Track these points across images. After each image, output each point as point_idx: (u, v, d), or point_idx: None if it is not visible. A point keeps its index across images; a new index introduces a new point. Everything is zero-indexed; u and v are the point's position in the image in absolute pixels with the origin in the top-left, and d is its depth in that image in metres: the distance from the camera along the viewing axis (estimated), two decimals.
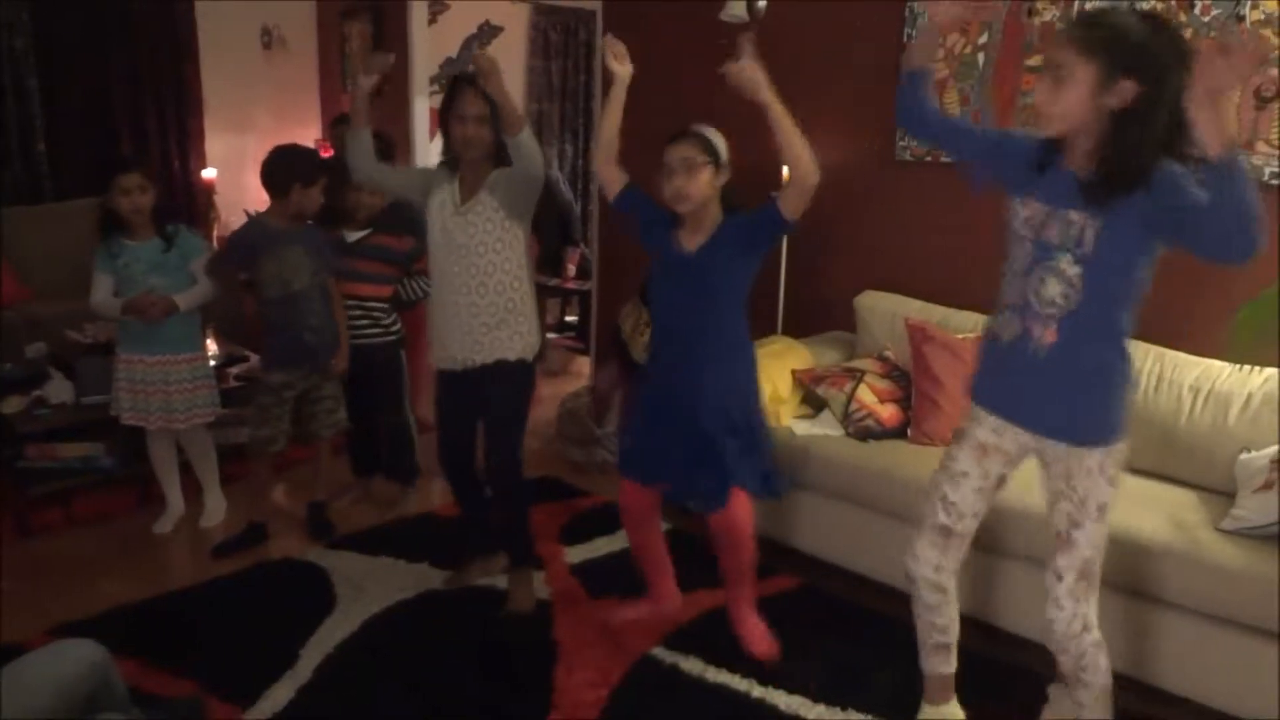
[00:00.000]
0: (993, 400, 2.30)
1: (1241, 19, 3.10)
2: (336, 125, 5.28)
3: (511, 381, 3.05)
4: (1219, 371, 3.10)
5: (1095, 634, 2.26)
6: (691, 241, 2.75)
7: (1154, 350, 3.22)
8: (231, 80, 6.35)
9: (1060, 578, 2.22)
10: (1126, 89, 1.93)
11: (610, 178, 2.88)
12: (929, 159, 3.86)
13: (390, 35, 6.20)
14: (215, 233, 6.06)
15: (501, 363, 3.01)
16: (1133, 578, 2.72)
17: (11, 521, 3.70)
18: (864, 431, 3.41)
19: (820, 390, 3.56)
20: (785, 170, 2.81)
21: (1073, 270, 2.06)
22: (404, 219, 3.68)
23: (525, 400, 3.12)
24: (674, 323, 2.83)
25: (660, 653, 2.98)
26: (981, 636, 2.78)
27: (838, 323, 4.12)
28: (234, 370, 4.32)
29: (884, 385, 3.53)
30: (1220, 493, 2.95)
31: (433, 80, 6.53)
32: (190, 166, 6.20)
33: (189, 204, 6.13)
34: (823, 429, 3.48)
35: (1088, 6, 3.39)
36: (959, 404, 2.72)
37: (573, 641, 3.02)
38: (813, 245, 4.19)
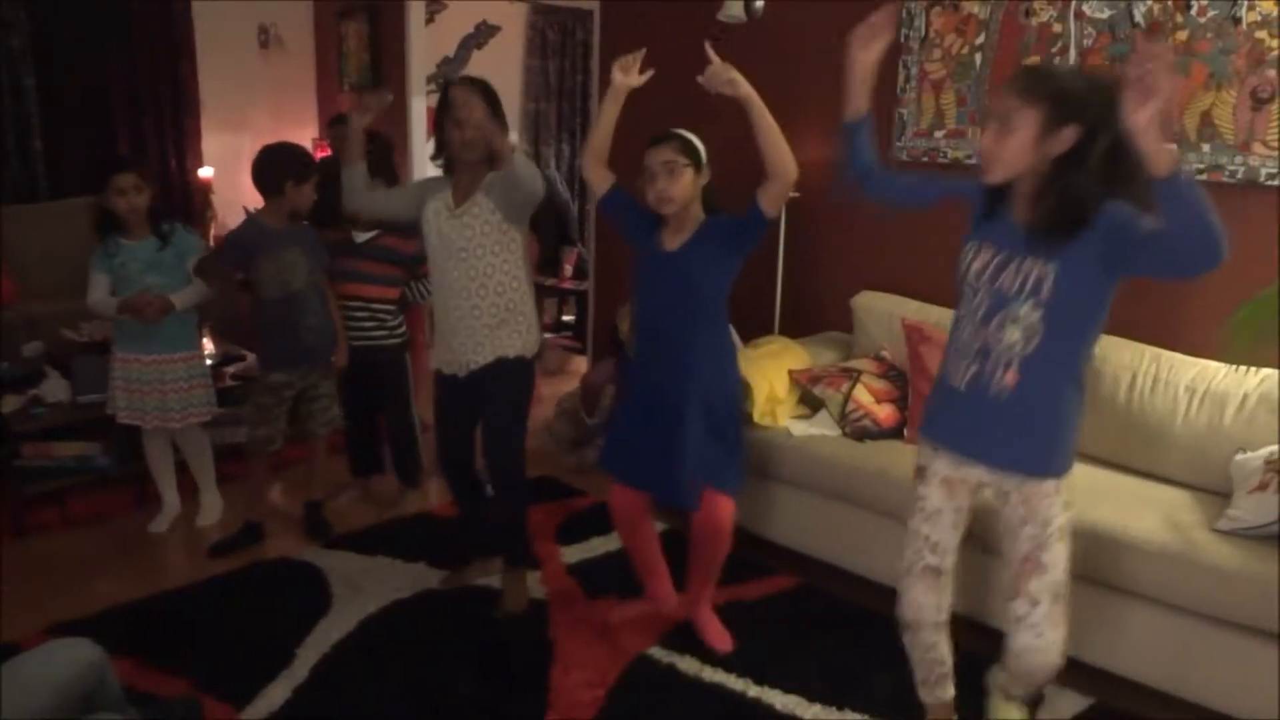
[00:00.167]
0: (950, 439, 2.31)
1: (1238, 20, 3.10)
2: (334, 125, 5.28)
3: (512, 379, 3.05)
4: (1215, 372, 3.10)
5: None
6: (674, 241, 2.79)
7: (1150, 351, 3.23)
8: (228, 79, 6.35)
9: (1036, 603, 2.22)
10: (1067, 135, 2.00)
11: (598, 178, 2.90)
12: (926, 160, 3.86)
13: (387, 35, 6.20)
14: (212, 232, 6.06)
15: (501, 360, 3.01)
16: (1128, 578, 2.72)
17: (7, 521, 3.70)
18: (861, 431, 3.41)
19: (817, 390, 3.56)
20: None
21: (1034, 316, 2.09)
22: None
23: (526, 398, 3.12)
24: (657, 321, 2.85)
25: (657, 652, 2.98)
26: (977, 637, 2.78)
27: (834, 323, 4.13)
28: (230, 369, 4.32)
29: (881, 385, 3.53)
30: (1216, 493, 2.96)
31: (430, 80, 6.54)
32: (187, 166, 6.19)
33: (186, 203, 6.12)
34: (820, 429, 3.48)
35: (1084, 7, 3.40)
36: None
37: (569, 641, 3.02)
38: (809, 245, 4.20)
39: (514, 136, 7.23)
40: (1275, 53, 3.05)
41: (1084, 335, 2.16)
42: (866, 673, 2.88)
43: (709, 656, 2.95)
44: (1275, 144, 3.08)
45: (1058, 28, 3.47)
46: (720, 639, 3.01)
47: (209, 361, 3.95)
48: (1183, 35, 3.22)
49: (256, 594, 3.29)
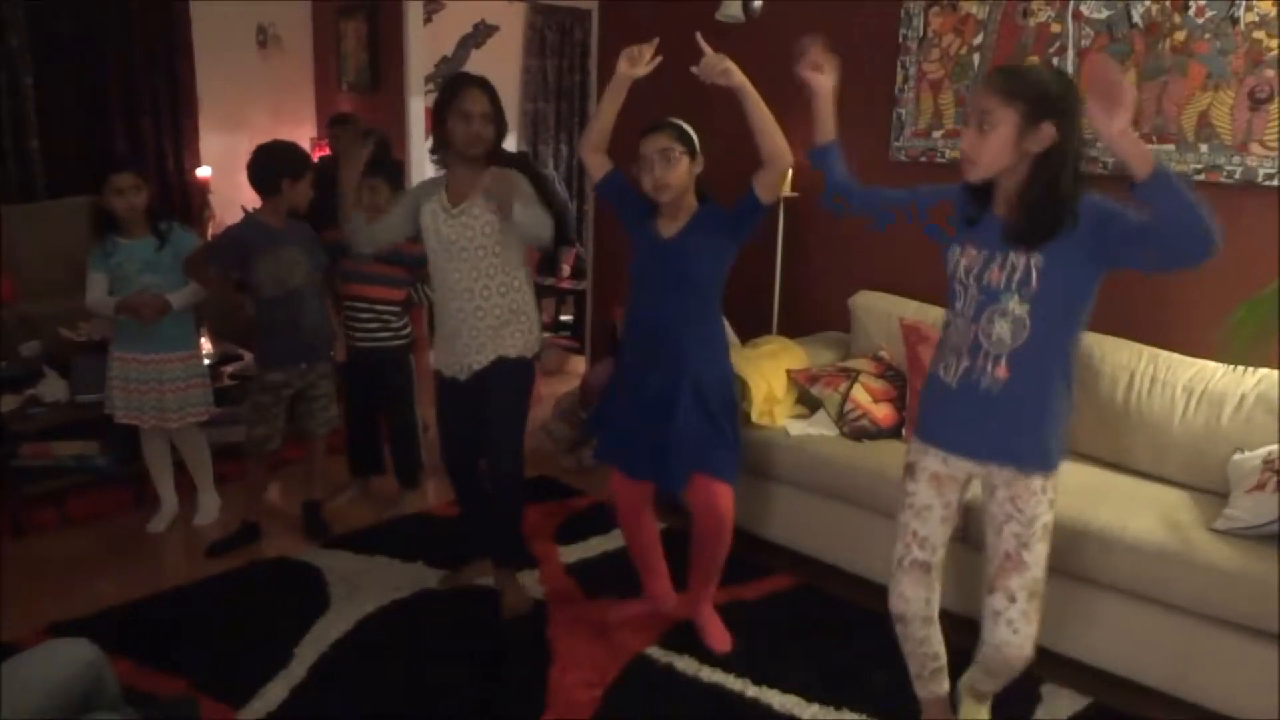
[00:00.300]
0: (941, 437, 2.34)
1: (1235, 20, 3.11)
2: (333, 125, 5.30)
3: (512, 379, 3.05)
4: (1213, 372, 3.10)
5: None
6: (669, 229, 2.81)
7: (1148, 351, 3.24)
8: (226, 79, 6.35)
9: (1013, 599, 2.25)
10: (1046, 132, 2.04)
11: (595, 164, 2.91)
12: (923, 159, 3.86)
13: (386, 34, 6.20)
14: (210, 232, 6.06)
15: (502, 360, 3.01)
16: (1126, 577, 2.72)
17: (6, 520, 3.69)
18: (859, 431, 3.42)
19: (815, 390, 3.56)
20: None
21: (1021, 309, 2.13)
22: None
23: (525, 398, 3.12)
24: (651, 308, 2.85)
25: (655, 652, 2.98)
26: (973, 636, 2.78)
27: (833, 323, 4.13)
28: (228, 369, 4.32)
29: (879, 385, 3.53)
30: (1213, 493, 2.96)
31: (428, 80, 6.53)
32: (185, 165, 6.19)
33: (184, 203, 6.12)
34: (818, 429, 3.48)
35: (1082, 8, 3.40)
36: None
37: (567, 641, 3.02)
38: (808, 245, 4.20)
39: (512, 137, 7.26)
40: (1273, 53, 3.06)
41: (1071, 327, 2.19)
42: (865, 672, 2.88)
43: (707, 656, 2.95)
44: (1273, 144, 3.08)
45: (1056, 28, 3.47)
46: (720, 640, 3.01)
47: (207, 361, 3.95)
48: (1180, 35, 3.22)
49: (254, 594, 3.29)
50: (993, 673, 2.41)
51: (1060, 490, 2.80)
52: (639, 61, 2.72)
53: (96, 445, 3.89)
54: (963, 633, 2.63)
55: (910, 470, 2.40)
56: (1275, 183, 3.08)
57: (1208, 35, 3.17)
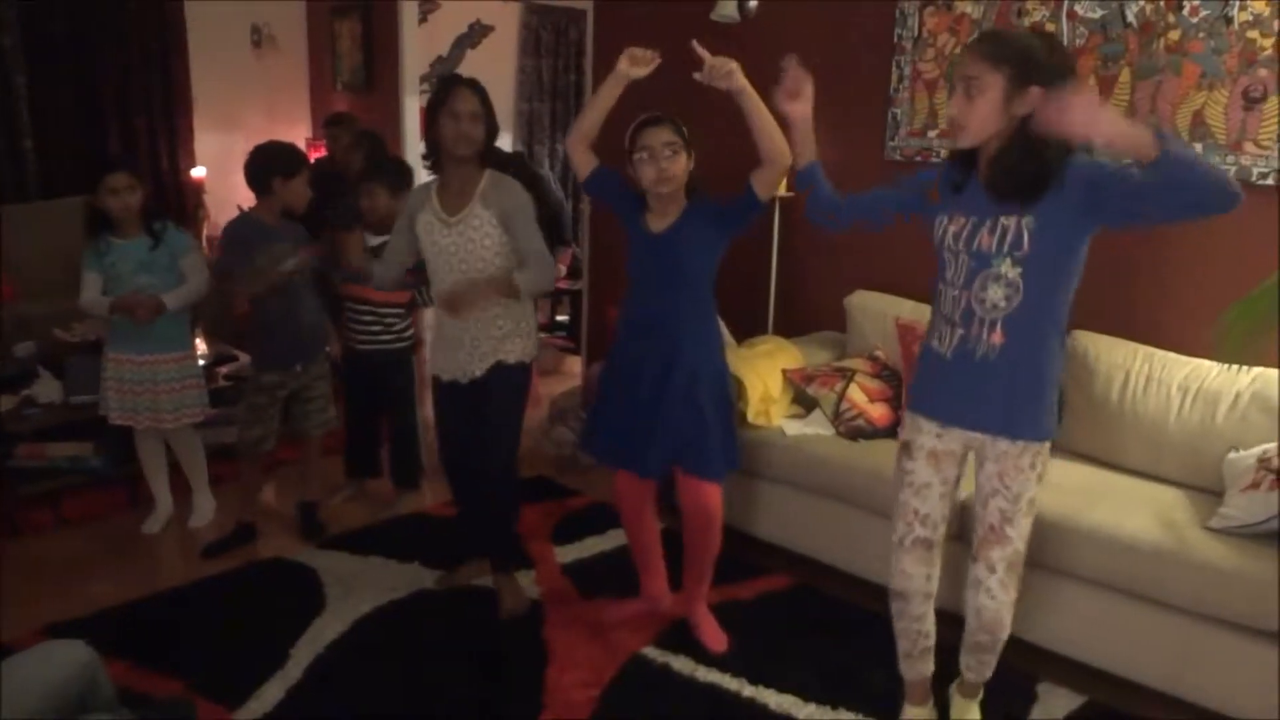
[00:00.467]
0: (937, 408, 2.36)
1: (1229, 20, 3.11)
2: (329, 125, 5.28)
3: (510, 383, 3.04)
4: (1207, 371, 3.11)
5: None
6: (658, 224, 2.81)
7: (1143, 350, 3.24)
8: (221, 79, 6.33)
9: (993, 569, 2.33)
10: (1033, 95, 2.05)
11: (581, 160, 2.90)
12: (919, 159, 3.87)
13: (380, 34, 6.19)
14: (205, 232, 6.04)
15: (500, 364, 3.01)
16: (1121, 576, 2.73)
17: (1, 522, 3.68)
18: (855, 431, 3.42)
19: (811, 390, 3.57)
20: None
21: (1013, 272, 2.14)
22: None
23: (522, 399, 3.11)
24: (643, 302, 2.86)
25: (651, 652, 2.98)
26: (958, 630, 2.78)
27: (828, 323, 4.13)
28: (223, 370, 4.31)
29: (875, 385, 3.54)
30: (1208, 492, 2.97)
31: (423, 80, 6.53)
32: (179, 165, 6.17)
33: (178, 203, 6.10)
34: (814, 428, 3.48)
35: (1076, 7, 3.40)
36: None
37: (564, 641, 3.02)
38: (803, 245, 4.20)
39: (507, 137, 7.25)
40: (1267, 52, 3.06)
41: (1063, 289, 2.20)
42: (861, 672, 2.88)
43: (704, 656, 2.95)
44: (1267, 143, 3.09)
45: (1050, 27, 3.47)
46: (715, 639, 3.01)
47: (202, 362, 3.94)
48: (1175, 35, 3.22)
49: (250, 595, 3.28)
50: (976, 645, 2.45)
51: (1056, 489, 2.82)
52: (641, 63, 2.72)
53: (91, 446, 3.88)
54: (956, 630, 2.63)
55: (907, 449, 2.42)
56: (1270, 181, 3.09)
57: (1202, 35, 3.18)
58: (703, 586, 3.05)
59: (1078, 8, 3.42)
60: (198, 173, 6.20)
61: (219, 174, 6.15)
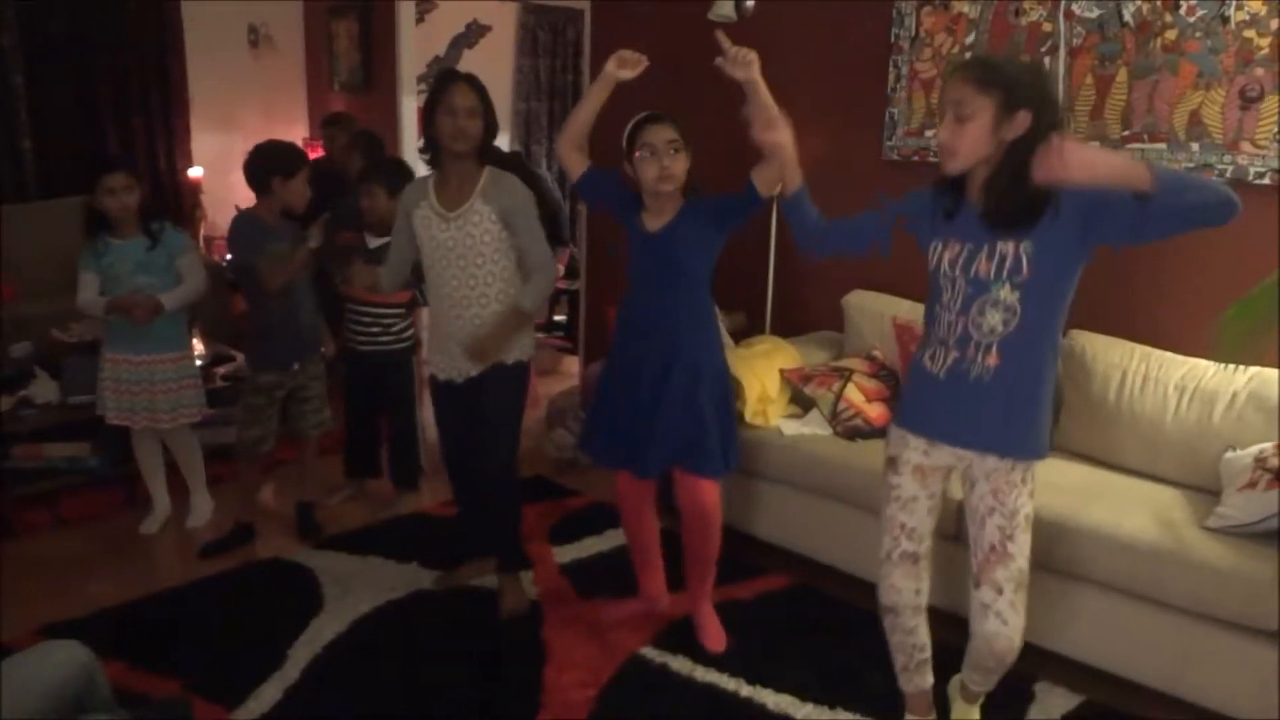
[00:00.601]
0: (927, 426, 2.34)
1: (1226, 19, 3.12)
2: (326, 125, 5.28)
3: (508, 384, 3.04)
4: (1204, 370, 3.11)
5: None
6: (655, 223, 2.80)
7: (1140, 349, 3.24)
8: (218, 79, 6.32)
9: (1000, 591, 2.27)
10: (1022, 119, 2.06)
11: (573, 162, 2.89)
12: (916, 159, 3.87)
13: (378, 34, 6.19)
14: (202, 232, 6.04)
15: (499, 365, 3.00)
16: (1118, 575, 2.73)
17: None
18: (852, 431, 3.42)
19: (808, 390, 3.57)
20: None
21: (1012, 297, 2.14)
22: None
23: (520, 400, 3.11)
24: (641, 301, 2.86)
25: (649, 652, 2.99)
26: (960, 632, 2.78)
27: (826, 322, 4.13)
28: (220, 370, 4.30)
29: (872, 385, 3.54)
30: (1206, 491, 2.97)
31: (420, 79, 6.52)
32: (176, 165, 6.16)
33: (175, 203, 6.09)
34: (811, 428, 3.49)
35: (1073, 7, 3.41)
36: None
37: (562, 641, 3.02)
38: None
39: (504, 136, 7.25)
40: (1264, 51, 3.07)
41: (1058, 311, 2.20)
42: (859, 672, 2.88)
43: (702, 656, 2.95)
44: (1264, 143, 3.09)
45: (1047, 27, 3.48)
46: (715, 639, 3.01)
47: (199, 362, 3.94)
48: (1171, 34, 3.23)
49: (248, 595, 3.28)
50: (984, 668, 2.41)
51: (1053, 488, 2.82)
52: (627, 65, 2.71)
53: (88, 446, 3.88)
54: (950, 629, 2.64)
55: (893, 464, 2.41)
56: (1266, 181, 3.09)
57: (1198, 34, 3.18)
58: (705, 586, 3.04)
59: (1075, 7, 3.42)
60: (195, 173, 6.19)
61: (216, 174, 6.14)
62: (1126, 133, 3.36)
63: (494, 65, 7.38)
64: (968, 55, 3.69)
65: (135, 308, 3.41)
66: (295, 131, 6.62)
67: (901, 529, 2.39)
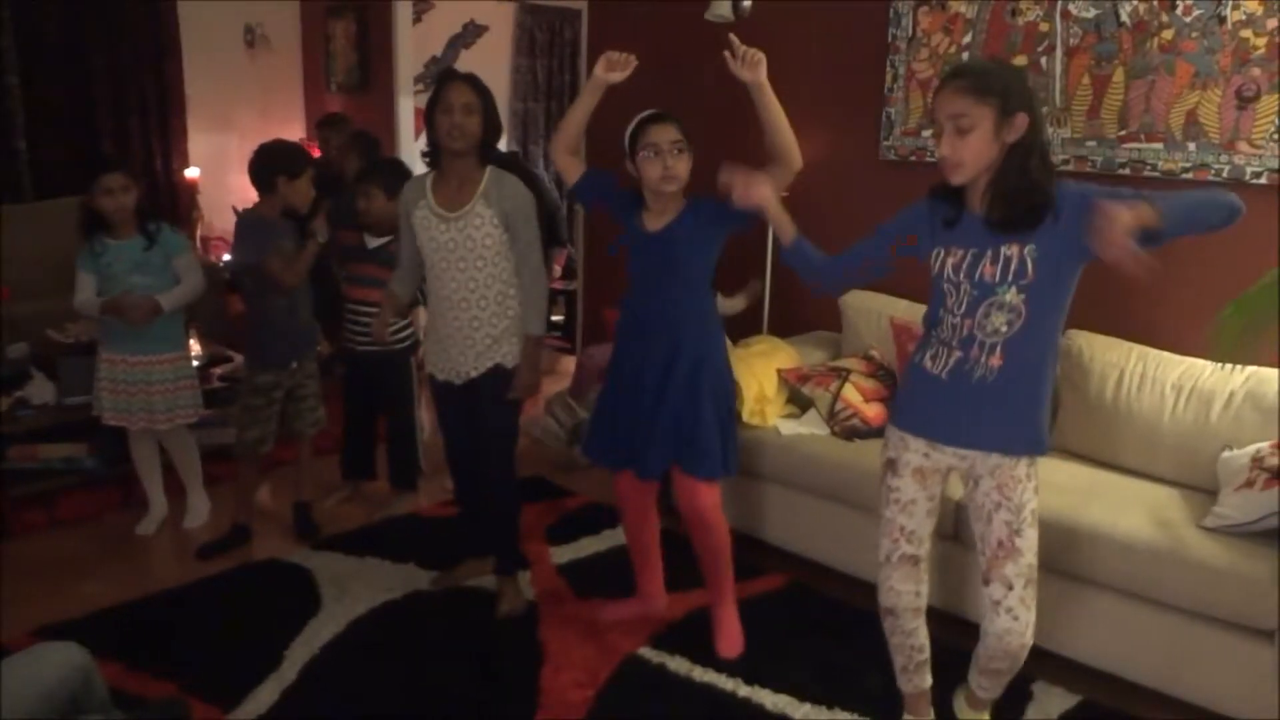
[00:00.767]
0: (928, 427, 2.34)
1: (1222, 19, 3.12)
2: (322, 127, 5.28)
3: (508, 384, 3.03)
4: (1201, 370, 3.12)
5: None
6: (655, 223, 2.80)
7: (1137, 349, 3.25)
8: (214, 79, 6.32)
9: (1010, 586, 2.27)
10: (1020, 123, 2.08)
11: (570, 166, 2.89)
12: (913, 159, 3.87)
13: (375, 34, 6.19)
14: (199, 232, 6.03)
15: (498, 367, 3.00)
16: (1116, 575, 2.73)
17: None
18: (850, 430, 3.42)
19: (806, 389, 3.57)
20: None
21: (1018, 299, 2.15)
22: None
23: (519, 401, 3.11)
24: (642, 301, 2.85)
25: (647, 652, 2.98)
26: (960, 633, 2.79)
27: (823, 322, 4.13)
28: (217, 370, 4.30)
29: (870, 384, 3.54)
30: (1203, 490, 2.97)
31: (417, 80, 6.52)
32: (173, 166, 6.16)
33: (171, 203, 6.09)
34: (808, 428, 3.49)
35: (1070, 7, 3.41)
36: None
37: (559, 641, 3.02)
38: None
39: (502, 136, 7.24)
40: (1260, 51, 3.07)
41: (1060, 311, 2.22)
42: (857, 672, 2.88)
43: (699, 656, 2.95)
44: (1260, 142, 3.10)
45: (1044, 27, 3.48)
46: (728, 644, 2.98)
47: (196, 362, 3.93)
48: (1168, 34, 3.23)
49: (245, 596, 3.28)
50: (993, 669, 2.41)
51: (1051, 488, 2.82)
52: (616, 67, 2.71)
53: (85, 447, 3.87)
54: (949, 629, 2.64)
55: (892, 466, 2.41)
56: (1263, 180, 3.09)
57: (1195, 34, 3.18)
58: (721, 588, 3.01)
59: (1071, 7, 3.42)
60: (191, 173, 6.19)
61: (213, 174, 6.14)
62: (1123, 132, 3.37)
63: (491, 65, 7.38)
64: (961, 59, 3.69)
65: (132, 308, 3.40)
66: (292, 132, 6.62)
67: (901, 532, 2.39)
